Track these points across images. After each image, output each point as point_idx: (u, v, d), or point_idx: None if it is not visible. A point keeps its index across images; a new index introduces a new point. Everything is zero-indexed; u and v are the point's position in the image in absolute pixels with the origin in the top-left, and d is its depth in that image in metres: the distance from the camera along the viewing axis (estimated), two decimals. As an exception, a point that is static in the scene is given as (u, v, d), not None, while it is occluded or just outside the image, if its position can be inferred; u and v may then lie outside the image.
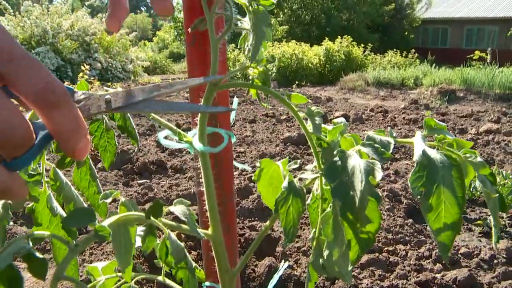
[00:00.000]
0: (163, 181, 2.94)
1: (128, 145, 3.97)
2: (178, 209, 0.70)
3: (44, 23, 11.48)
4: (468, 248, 1.95)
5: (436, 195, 0.66)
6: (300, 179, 0.79)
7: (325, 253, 0.81)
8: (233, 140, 1.00)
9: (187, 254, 0.64)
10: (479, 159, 0.72)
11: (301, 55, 14.08)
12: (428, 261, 1.80)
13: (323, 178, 0.78)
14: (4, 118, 0.40)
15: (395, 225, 2.12)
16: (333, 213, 0.75)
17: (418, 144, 0.69)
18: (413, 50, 16.76)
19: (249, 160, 3.57)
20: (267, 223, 0.84)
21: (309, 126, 0.77)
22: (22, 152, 0.43)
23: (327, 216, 0.77)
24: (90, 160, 0.90)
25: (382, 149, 0.71)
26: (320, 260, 0.82)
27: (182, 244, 0.67)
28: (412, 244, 1.97)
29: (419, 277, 1.60)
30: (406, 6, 24.24)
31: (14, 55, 0.41)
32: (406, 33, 24.08)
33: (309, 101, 0.81)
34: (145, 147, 4.04)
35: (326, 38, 15.71)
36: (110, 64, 11.75)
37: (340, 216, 0.66)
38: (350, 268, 0.82)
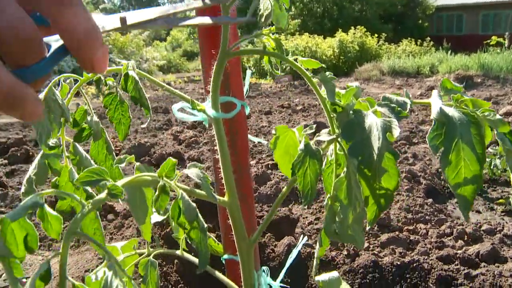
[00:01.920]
0: (180, 171, 2.95)
1: (145, 137, 4.00)
2: (193, 171, 0.70)
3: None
4: (491, 225, 1.92)
5: (455, 152, 0.65)
6: (317, 142, 0.78)
7: (339, 218, 0.81)
8: (247, 111, 1.00)
9: (199, 214, 0.64)
10: (498, 116, 0.71)
11: (315, 47, 14.01)
12: (449, 238, 1.78)
13: (337, 143, 0.78)
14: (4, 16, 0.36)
15: (415, 205, 2.10)
16: (347, 177, 0.74)
17: (435, 102, 0.68)
18: (428, 38, 16.55)
19: (266, 149, 3.57)
20: (284, 189, 0.84)
21: (323, 91, 0.77)
22: (31, 60, 0.39)
23: (341, 181, 0.77)
24: (106, 133, 0.91)
25: (399, 109, 0.70)
26: (333, 226, 0.82)
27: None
28: (432, 223, 1.96)
29: (440, 253, 1.59)
30: (419, -7, 23.94)
31: None
32: (420, 21, 23.76)
33: (323, 65, 0.81)
34: (162, 140, 4.07)
35: (340, 30, 15.60)
36: (126, 64, 11.84)
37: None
38: (363, 232, 0.82)
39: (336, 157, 0.81)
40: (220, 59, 0.78)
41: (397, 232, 1.81)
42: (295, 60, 0.78)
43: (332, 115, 0.79)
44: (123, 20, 0.49)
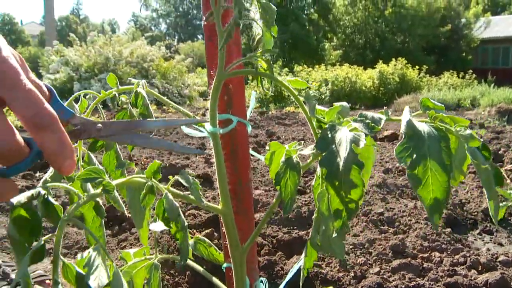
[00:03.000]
0: (208, 192, 3.04)
1: (178, 159, 4.13)
2: (184, 177, 0.78)
3: (106, 51, 12.14)
4: (508, 257, 1.90)
5: (422, 164, 0.70)
6: (300, 156, 0.85)
7: (321, 229, 0.87)
8: (249, 129, 1.08)
9: (181, 213, 0.72)
10: (468, 131, 0.75)
11: (355, 78, 14.04)
12: (462, 267, 1.77)
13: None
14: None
15: (432, 233, 2.10)
16: (327, 190, 0.80)
17: (405, 117, 0.73)
18: (471, 71, 16.29)
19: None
20: (274, 200, 0.90)
21: (308, 108, 0.84)
22: (13, 163, 0.55)
23: (323, 193, 0.83)
24: (117, 145, 1.00)
25: (373, 124, 0.76)
26: (317, 237, 0.87)
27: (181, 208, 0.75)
28: (448, 252, 1.95)
29: (448, 280, 1.59)
30: (463, 26, 23.65)
31: (16, 84, 0.53)
32: (464, 54, 23.44)
33: (309, 85, 0.88)
34: (194, 163, 4.19)
35: (380, 61, 15.60)
36: (166, 89, 12.20)
37: (327, 183, 0.71)
38: (343, 244, 0.87)
39: (322, 171, 0.87)
40: (217, 79, 0.86)
41: (410, 259, 1.83)
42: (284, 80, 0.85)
43: (317, 131, 0.85)
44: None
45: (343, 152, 0.69)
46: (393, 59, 15.65)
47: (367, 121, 0.77)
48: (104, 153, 1.01)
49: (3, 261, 1.62)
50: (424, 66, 16.13)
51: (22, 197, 0.61)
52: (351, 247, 1.98)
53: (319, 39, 24.56)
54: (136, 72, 11.86)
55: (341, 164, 0.69)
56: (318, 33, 24.85)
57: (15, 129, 0.55)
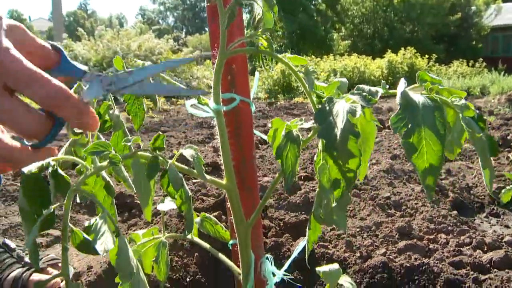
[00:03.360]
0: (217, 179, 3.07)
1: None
2: (188, 152, 0.81)
3: (114, 45, 12.21)
4: (514, 237, 1.92)
5: (417, 133, 0.72)
6: (301, 129, 0.87)
7: (323, 202, 0.89)
8: (253, 109, 1.10)
9: (185, 184, 0.74)
10: (463, 101, 0.77)
11: (363, 68, 13.99)
12: (467, 247, 1.79)
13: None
14: (18, 119, 0.58)
15: (438, 216, 2.11)
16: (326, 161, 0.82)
17: (400, 88, 0.75)
18: (481, 59, 16.14)
19: (301, 163, 3.64)
20: (276, 175, 0.93)
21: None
22: (39, 139, 0.61)
23: (323, 166, 0.85)
24: (124, 125, 1.03)
25: (369, 96, 0.78)
26: (320, 210, 0.89)
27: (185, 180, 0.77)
28: (454, 234, 1.97)
29: (453, 259, 1.61)
30: (473, 14, 23.39)
31: (19, 72, 0.56)
32: (474, 42, 23.21)
33: (308, 62, 0.90)
34: (203, 152, 4.22)
35: (389, 51, 15.50)
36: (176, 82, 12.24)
37: (326, 154, 0.74)
38: (344, 216, 0.89)
39: (322, 145, 0.89)
40: (219, 58, 0.88)
41: (415, 240, 1.84)
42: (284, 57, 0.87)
43: (317, 107, 0.88)
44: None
45: (340, 123, 0.71)
46: (402, 48, 15.55)
47: (364, 93, 0.78)
48: (113, 133, 1.03)
49: (17, 245, 1.67)
50: (434, 55, 16.01)
51: (33, 167, 0.64)
52: (357, 229, 2.00)
53: (327, 30, 24.44)
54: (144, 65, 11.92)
55: (338, 134, 0.71)
56: (326, 24, 24.72)
57: (33, 109, 0.60)
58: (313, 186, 2.72)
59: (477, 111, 0.78)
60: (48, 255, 1.69)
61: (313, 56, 15.74)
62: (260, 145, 4.35)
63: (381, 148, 4.01)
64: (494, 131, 4.55)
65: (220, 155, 3.16)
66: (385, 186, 2.65)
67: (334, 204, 0.84)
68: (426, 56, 15.54)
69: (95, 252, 0.65)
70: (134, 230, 1.93)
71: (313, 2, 25.46)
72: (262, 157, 3.74)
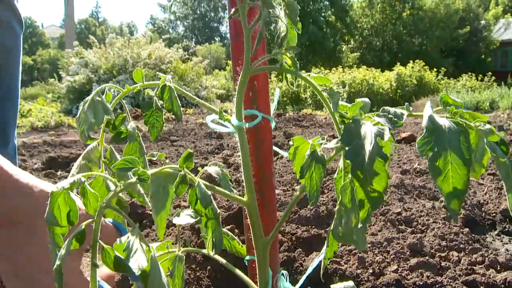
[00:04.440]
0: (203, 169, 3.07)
1: (196, 159, 4.18)
2: (213, 169, 0.82)
3: (124, 53, 12.30)
4: (531, 258, 1.90)
5: (443, 157, 0.72)
6: (325, 149, 0.88)
7: (343, 220, 0.89)
8: (273, 125, 1.11)
9: (213, 202, 0.75)
10: (487, 126, 0.77)
11: (372, 80, 14.00)
12: (480, 266, 1.78)
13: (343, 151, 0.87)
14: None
15: (450, 233, 2.10)
16: (351, 182, 0.83)
17: (427, 112, 0.76)
18: (490, 73, 16.11)
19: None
20: (297, 193, 0.93)
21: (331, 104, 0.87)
22: None
23: (345, 186, 0.85)
24: (140, 137, 1.03)
25: (395, 119, 0.78)
26: (339, 229, 0.90)
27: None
28: (466, 252, 1.96)
29: (466, 278, 1.60)
30: (482, 28, 23.40)
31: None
32: (483, 56, 23.19)
33: (332, 81, 0.90)
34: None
35: (398, 63, 15.52)
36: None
37: (352, 175, 0.74)
38: (365, 236, 0.89)
39: (344, 164, 0.90)
40: (243, 75, 0.89)
41: (427, 258, 1.84)
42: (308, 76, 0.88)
43: (340, 127, 0.88)
44: None
45: (368, 145, 0.72)
46: (411, 61, 15.56)
47: (390, 116, 0.79)
48: (127, 144, 1.03)
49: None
50: (442, 68, 16.01)
51: (65, 183, 0.65)
52: (369, 245, 1.99)
53: (336, 42, 24.51)
54: (154, 74, 11.99)
55: (366, 156, 0.71)
56: (335, 36, 24.81)
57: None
58: (323, 200, 2.72)
59: (488, 126, 0.79)
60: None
61: (322, 68, 15.77)
62: (269, 157, 4.35)
63: (391, 163, 4.00)
64: (505, 147, 4.53)
65: (230, 165, 3.19)
66: (395, 201, 2.64)
67: (359, 226, 0.85)
68: (435, 69, 15.54)
69: (130, 271, 0.65)
70: (147, 241, 1.93)
71: (323, 14, 25.58)
72: (272, 169, 3.73)
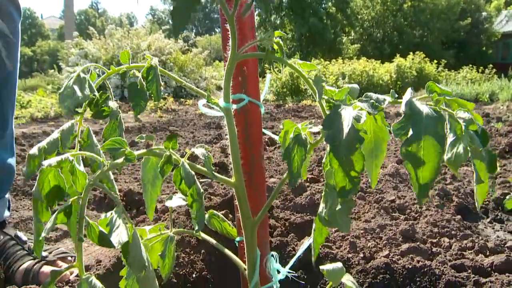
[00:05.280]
0: (190, 151, 3.10)
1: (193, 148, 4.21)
2: (199, 151, 0.85)
3: (124, 44, 12.29)
4: (518, 243, 1.94)
5: (417, 142, 0.75)
6: (311, 133, 0.91)
7: (328, 204, 0.92)
8: (262, 110, 1.13)
9: (197, 181, 0.78)
10: (467, 114, 0.80)
11: (372, 72, 13.97)
12: (470, 251, 1.81)
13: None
14: None
15: (442, 220, 2.14)
16: (330, 164, 0.86)
17: (405, 97, 0.78)
18: (491, 65, 16.08)
19: (307, 164, 3.67)
20: (283, 176, 0.96)
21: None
22: None
23: (330, 170, 0.88)
24: (120, 115, 1.03)
25: (376, 104, 0.81)
26: (325, 212, 0.93)
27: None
28: (458, 238, 1.99)
29: (455, 262, 1.63)
30: (483, 20, 23.31)
31: None
32: (484, 48, 23.13)
33: (318, 67, 0.93)
34: (211, 152, 4.25)
35: (398, 55, 15.49)
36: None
37: (332, 157, 0.77)
38: (349, 219, 0.92)
39: (330, 149, 0.93)
40: (230, 62, 0.92)
41: (419, 243, 1.87)
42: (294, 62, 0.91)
43: (326, 112, 0.91)
44: None
45: (345, 128, 0.75)
46: (411, 53, 15.53)
47: (372, 101, 0.82)
48: (108, 122, 1.02)
49: (29, 238, 1.71)
50: (443, 60, 15.99)
51: (53, 161, 0.68)
52: (361, 231, 2.03)
53: (337, 33, 24.45)
54: (153, 64, 11.98)
55: (343, 139, 0.74)
56: (335, 27, 24.74)
57: None
58: (318, 188, 2.75)
59: (470, 114, 0.81)
60: (58, 248, 1.74)
61: (322, 59, 15.76)
62: (267, 147, 4.38)
63: (387, 153, 4.03)
64: (502, 138, 4.55)
65: (227, 155, 3.23)
66: (390, 189, 2.67)
67: (338, 207, 0.88)
68: (435, 61, 15.51)
69: (111, 245, 0.68)
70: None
71: (323, 6, 25.49)
72: (269, 159, 3.77)
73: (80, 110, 0.89)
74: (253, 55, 0.97)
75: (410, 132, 0.75)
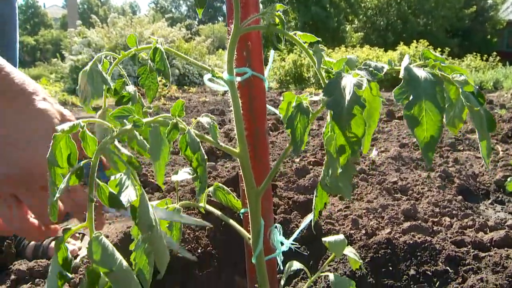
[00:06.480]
0: (227, 164, 3.15)
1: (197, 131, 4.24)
2: (204, 119, 0.87)
3: (127, 33, 12.29)
4: (517, 221, 1.96)
5: (418, 105, 0.78)
6: (312, 102, 0.93)
7: (330, 170, 0.95)
8: (266, 85, 1.16)
9: (202, 148, 0.81)
10: (463, 77, 0.82)
11: (375, 60, 13.91)
12: (471, 229, 1.84)
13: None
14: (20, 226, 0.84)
15: (444, 200, 2.16)
16: (332, 130, 0.88)
17: (404, 63, 0.81)
18: (495, 53, 15.99)
19: (310, 149, 3.70)
20: (287, 145, 0.99)
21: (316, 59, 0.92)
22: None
23: (330, 136, 0.91)
24: (142, 99, 1.08)
25: (375, 71, 0.83)
26: (326, 178, 0.95)
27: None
28: (458, 217, 2.02)
29: (455, 238, 1.67)
30: (488, 8, 23.14)
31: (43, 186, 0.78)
32: (489, 36, 22.98)
33: (319, 39, 0.95)
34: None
35: (401, 43, 15.42)
36: (187, 70, 12.32)
37: (334, 123, 0.79)
38: (350, 184, 0.95)
39: (330, 117, 0.95)
40: (233, 35, 0.94)
41: (420, 222, 1.90)
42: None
43: (326, 81, 0.93)
44: None
45: (347, 94, 0.77)
46: (415, 41, 15.45)
47: (371, 68, 0.84)
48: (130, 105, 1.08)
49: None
50: (447, 48, 15.90)
51: (65, 126, 0.71)
52: (364, 211, 2.06)
53: (340, 21, 24.34)
54: (157, 53, 11.99)
55: (345, 104, 0.77)
56: (339, 15, 24.62)
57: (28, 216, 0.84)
58: (320, 170, 2.78)
59: (464, 76, 0.84)
60: (67, 225, 1.78)
61: (325, 48, 15.70)
62: (270, 132, 4.41)
63: (390, 137, 4.05)
64: (505, 123, 4.56)
65: (231, 139, 3.25)
66: (392, 172, 2.70)
67: (339, 171, 0.90)
68: (439, 49, 15.43)
69: (121, 205, 0.71)
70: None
71: (327, -7, 25.35)
72: (273, 143, 3.80)
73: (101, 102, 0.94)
74: (255, 27, 0.99)
75: (411, 97, 0.77)
